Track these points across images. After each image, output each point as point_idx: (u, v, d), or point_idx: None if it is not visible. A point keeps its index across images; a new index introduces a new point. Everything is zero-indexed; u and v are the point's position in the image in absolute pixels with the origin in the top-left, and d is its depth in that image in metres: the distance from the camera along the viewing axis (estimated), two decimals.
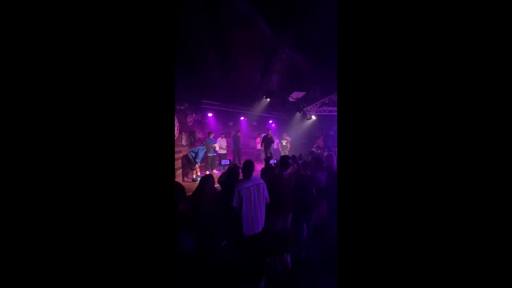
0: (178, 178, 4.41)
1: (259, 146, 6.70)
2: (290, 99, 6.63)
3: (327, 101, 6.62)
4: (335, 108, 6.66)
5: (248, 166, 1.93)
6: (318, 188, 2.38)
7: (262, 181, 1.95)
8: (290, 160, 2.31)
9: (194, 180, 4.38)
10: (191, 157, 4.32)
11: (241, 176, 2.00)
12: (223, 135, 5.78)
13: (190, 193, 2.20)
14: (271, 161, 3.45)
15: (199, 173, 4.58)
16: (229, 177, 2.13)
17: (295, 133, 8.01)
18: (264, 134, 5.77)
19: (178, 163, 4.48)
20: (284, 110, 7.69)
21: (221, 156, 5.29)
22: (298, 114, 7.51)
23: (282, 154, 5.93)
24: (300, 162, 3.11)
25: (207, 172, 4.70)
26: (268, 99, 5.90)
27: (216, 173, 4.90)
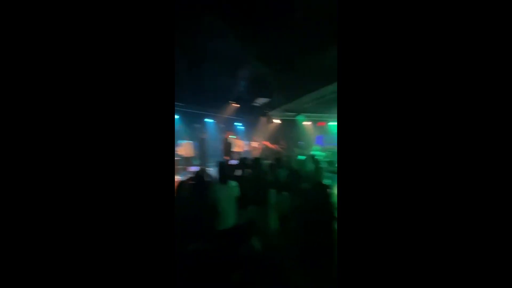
0: None
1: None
2: (255, 104, 7.06)
3: (288, 107, 7.32)
4: (294, 114, 7.44)
5: (221, 170, 2.16)
6: None
7: (235, 184, 2.17)
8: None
9: None
10: None
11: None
12: (187, 138, 5.70)
13: None
14: (232, 162, 3.61)
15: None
16: (197, 181, 2.28)
17: (262, 136, 8.51)
18: (231, 136, 5.99)
19: None
20: (250, 114, 8.09)
21: (186, 160, 5.21)
22: (262, 119, 8.02)
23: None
24: None
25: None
26: (235, 104, 6.17)
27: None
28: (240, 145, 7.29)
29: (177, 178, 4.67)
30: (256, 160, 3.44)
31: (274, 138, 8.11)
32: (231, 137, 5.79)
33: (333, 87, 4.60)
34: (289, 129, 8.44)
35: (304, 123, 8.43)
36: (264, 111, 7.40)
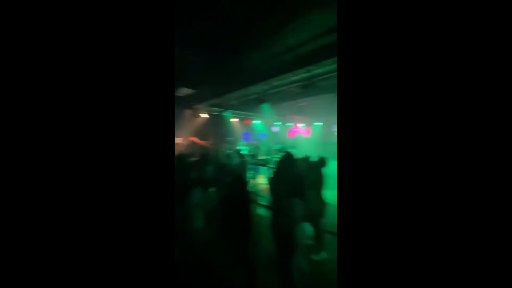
0: None
1: None
2: (179, 94, 6.43)
3: (215, 102, 7.18)
4: (222, 110, 7.44)
5: None
6: None
7: None
8: None
9: None
10: None
11: None
12: None
13: None
14: None
15: None
16: None
17: (188, 131, 7.86)
18: None
19: None
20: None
21: None
22: (187, 112, 7.43)
23: None
24: None
25: None
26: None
27: None
28: None
29: None
30: (180, 157, 3.13)
31: (202, 133, 7.75)
32: None
33: (255, 88, 4.97)
34: (218, 125, 8.35)
35: (232, 119, 8.63)
36: (191, 104, 6.88)
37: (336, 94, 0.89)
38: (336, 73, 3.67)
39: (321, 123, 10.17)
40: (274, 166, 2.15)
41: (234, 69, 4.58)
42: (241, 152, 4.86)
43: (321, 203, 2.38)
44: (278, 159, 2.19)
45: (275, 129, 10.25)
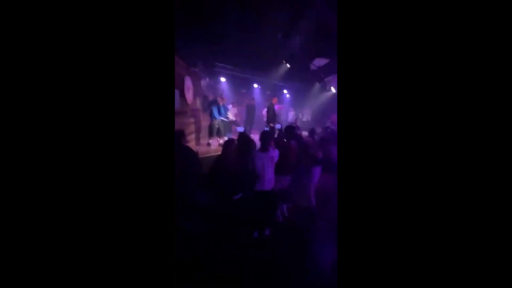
0: (191, 143, 4.28)
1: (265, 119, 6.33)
2: (312, 66, 5.98)
3: None
4: None
5: (266, 137, 2.08)
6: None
7: (277, 153, 2.14)
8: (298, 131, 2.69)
9: (208, 144, 4.23)
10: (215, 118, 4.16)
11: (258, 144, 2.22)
12: (234, 104, 5.39)
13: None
14: (276, 126, 3.39)
15: (220, 140, 4.40)
16: (240, 144, 2.28)
17: (312, 107, 7.52)
18: (278, 106, 5.34)
19: (191, 128, 4.28)
20: (302, 80, 7.06)
21: (230, 124, 5.03)
22: (317, 85, 6.91)
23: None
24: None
25: (218, 139, 4.49)
26: (288, 65, 5.29)
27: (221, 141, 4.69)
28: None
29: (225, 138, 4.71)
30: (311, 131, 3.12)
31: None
32: (276, 105, 5.17)
33: None
34: None
35: None
36: (321, 76, 6.23)
37: None
38: None
39: None
40: None
41: None
42: None
43: None
44: None
45: None
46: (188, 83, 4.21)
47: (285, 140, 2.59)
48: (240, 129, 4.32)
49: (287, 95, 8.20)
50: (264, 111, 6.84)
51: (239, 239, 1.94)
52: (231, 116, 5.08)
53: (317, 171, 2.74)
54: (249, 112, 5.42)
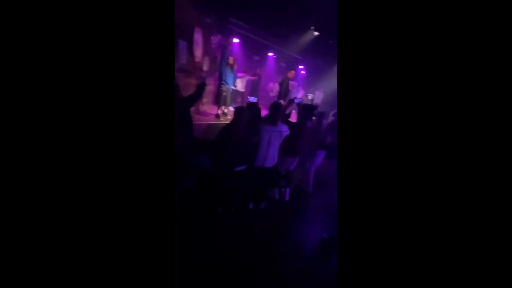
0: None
1: (273, 93, 5.76)
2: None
3: None
4: None
5: (276, 110, 1.91)
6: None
7: (285, 128, 1.99)
8: (315, 111, 2.52)
9: (217, 116, 3.83)
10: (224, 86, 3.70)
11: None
12: (247, 72, 4.77)
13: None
14: (296, 100, 3.02)
15: (225, 110, 4.01)
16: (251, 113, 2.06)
17: (325, 90, 6.89)
18: (292, 82, 4.76)
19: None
20: (325, 55, 6.31)
21: (236, 95, 4.53)
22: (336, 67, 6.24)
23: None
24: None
25: (223, 108, 4.08)
26: (316, 33, 4.54)
27: (230, 109, 4.27)
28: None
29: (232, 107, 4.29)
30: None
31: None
32: (291, 82, 4.61)
33: None
34: None
35: None
36: None
37: None
38: None
39: None
40: None
41: None
42: None
43: None
44: None
45: None
46: (198, 36, 3.58)
47: (300, 120, 2.36)
48: (253, 99, 3.83)
49: (302, 72, 7.47)
50: (272, 84, 6.24)
51: (234, 208, 1.99)
52: (239, 86, 4.54)
53: (320, 155, 2.66)
54: (254, 83, 4.84)
